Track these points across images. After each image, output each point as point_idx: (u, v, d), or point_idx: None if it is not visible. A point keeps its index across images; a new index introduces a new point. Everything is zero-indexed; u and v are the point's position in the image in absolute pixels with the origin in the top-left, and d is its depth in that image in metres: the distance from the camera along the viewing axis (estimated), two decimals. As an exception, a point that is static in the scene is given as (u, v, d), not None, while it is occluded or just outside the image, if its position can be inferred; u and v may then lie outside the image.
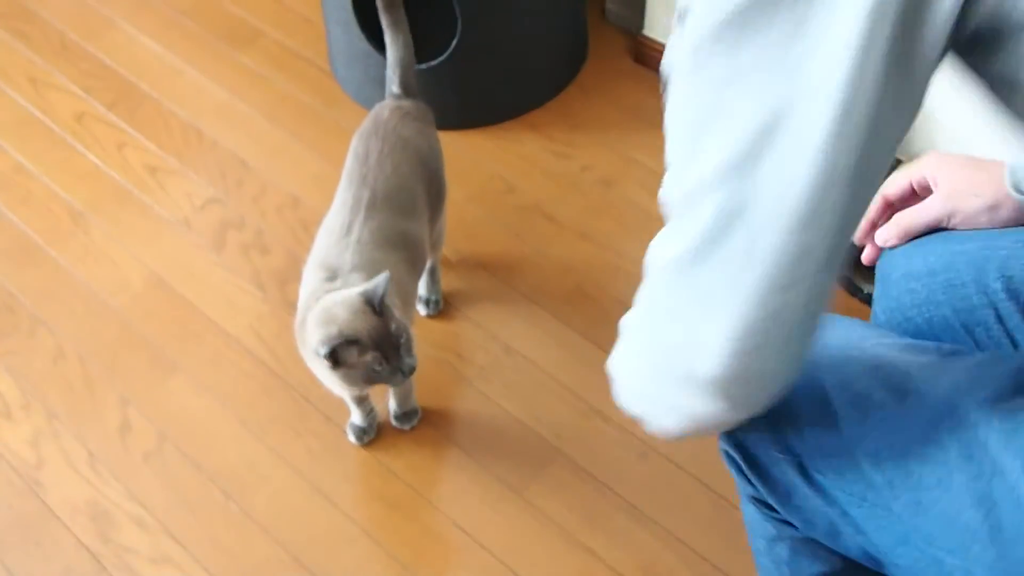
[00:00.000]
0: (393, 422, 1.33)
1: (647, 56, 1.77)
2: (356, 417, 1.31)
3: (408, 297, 1.24)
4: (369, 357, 1.09)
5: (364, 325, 1.08)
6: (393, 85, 1.34)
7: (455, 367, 1.40)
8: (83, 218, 1.61)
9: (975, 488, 0.63)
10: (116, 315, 1.48)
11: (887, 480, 0.67)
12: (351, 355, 1.08)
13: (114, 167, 1.68)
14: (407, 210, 1.25)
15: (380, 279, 1.08)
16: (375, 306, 1.08)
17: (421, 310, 1.44)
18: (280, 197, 1.62)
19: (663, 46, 1.74)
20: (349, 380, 1.14)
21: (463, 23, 1.56)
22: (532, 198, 1.61)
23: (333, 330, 1.07)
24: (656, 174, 1.62)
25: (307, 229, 1.56)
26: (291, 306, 1.16)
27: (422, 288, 1.41)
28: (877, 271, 0.91)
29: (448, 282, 1.48)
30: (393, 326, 1.09)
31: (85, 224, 1.60)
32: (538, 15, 1.65)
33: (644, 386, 0.65)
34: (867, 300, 1.43)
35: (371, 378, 1.12)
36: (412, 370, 1.12)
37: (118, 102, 1.79)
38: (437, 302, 1.45)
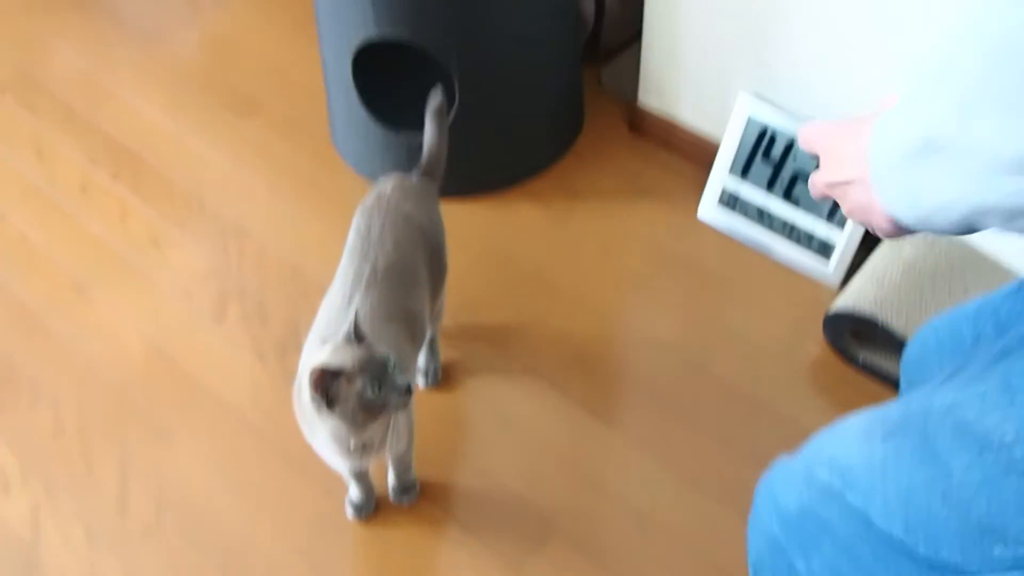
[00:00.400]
0: (392, 497, 1.33)
1: (642, 125, 1.80)
2: (354, 493, 1.31)
3: (408, 368, 1.24)
4: (359, 384, 1.05)
5: (346, 355, 1.07)
6: (420, 165, 1.37)
7: (453, 439, 1.41)
8: (85, 288, 1.62)
9: None
10: (116, 386, 1.49)
11: None
12: (340, 388, 1.06)
13: (117, 237, 1.70)
14: (408, 284, 1.26)
15: (352, 313, 1.09)
16: (354, 336, 1.08)
17: (420, 381, 1.45)
18: (281, 267, 1.64)
19: (657, 115, 1.77)
20: (347, 419, 1.08)
21: (462, 94, 1.58)
22: (531, 266, 1.62)
23: (316, 365, 1.06)
24: (652, 242, 1.64)
25: (307, 298, 1.57)
26: (291, 376, 1.17)
27: (421, 359, 1.42)
28: None
29: (447, 352, 1.49)
30: (378, 353, 1.08)
31: (87, 294, 1.61)
32: (536, 86, 1.68)
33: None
34: (863, 368, 1.44)
35: (369, 409, 1.07)
36: (409, 389, 1.08)
37: (123, 172, 1.81)
38: (436, 372, 1.46)
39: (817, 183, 0.79)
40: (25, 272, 1.66)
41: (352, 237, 1.28)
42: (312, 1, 1.77)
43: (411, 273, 1.27)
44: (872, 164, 0.67)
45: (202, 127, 1.89)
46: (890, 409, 0.75)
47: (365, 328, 1.11)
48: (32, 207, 1.76)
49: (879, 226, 0.69)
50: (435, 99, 1.37)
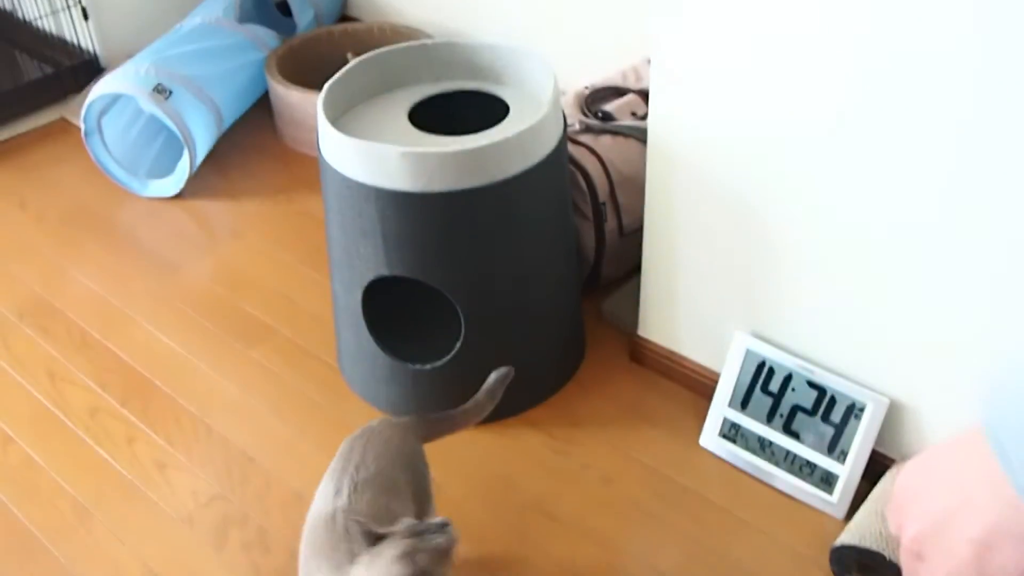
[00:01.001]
0: None
1: (643, 355, 1.85)
2: None
3: None
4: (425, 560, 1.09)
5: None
6: (427, 419, 1.44)
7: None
8: (87, 514, 1.62)
9: None
10: (112, 616, 1.46)
11: None
12: None
13: (123, 462, 1.71)
14: (389, 490, 1.28)
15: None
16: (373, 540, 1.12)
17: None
18: (285, 494, 1.64)
19: (658, 346, 1.82)
20: None
21: (467, 325, 1.64)
22: (533, 495, 1.63)
23: None
24: (654, 471, 1.65)
25: (309, 527, 1.57)
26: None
27: None
28: None
29: (448, 583, 1.47)
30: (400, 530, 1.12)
31: (89, 520, 1.61)
32: (539, 319, 1.74)
33: None
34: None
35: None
36: (444, 525, 1.12)
37: (132, 397, 1.85)
38: None
39: (905, 551, 0.59)
40: (28, 494, 1.66)
41: (333, 462, 1.32)
42: (324, 236, 1.86)
43: (391, 481, 1.29)
44: (995, 433, 0.50)
45: (212, 353, 1.94)
46: None
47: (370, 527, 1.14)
48: (40, 429, 1.78)
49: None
50: (499, 374, 1.47)
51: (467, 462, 1.68)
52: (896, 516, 0.60)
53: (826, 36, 1.31)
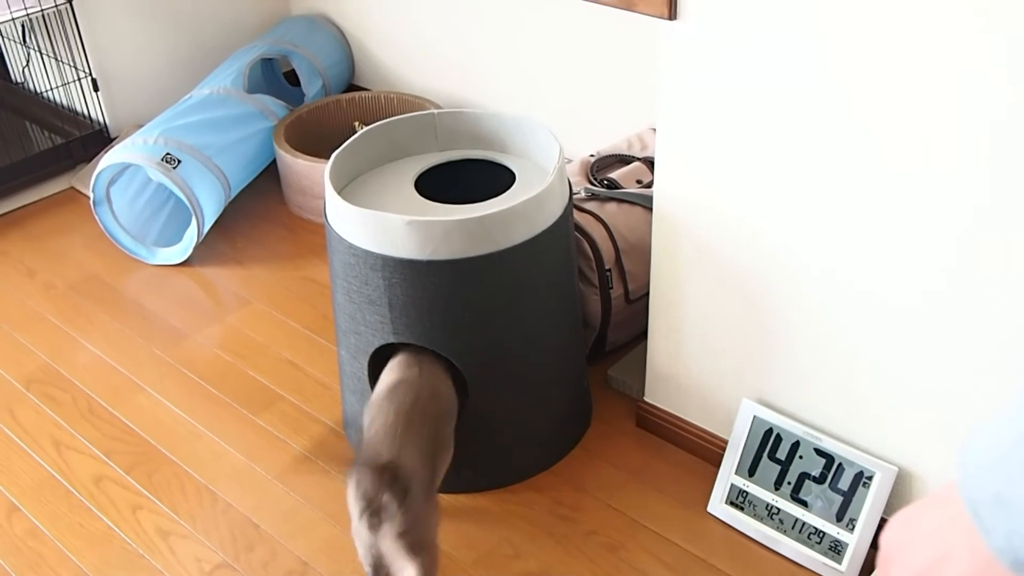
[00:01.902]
0: None
1: (649, 421, 1.85)
2: None
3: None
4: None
5: None
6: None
7: None
8: (91, 584, 1.61)
9: None
10: None
11: None
12: None
13: (127, 531, 1.70)
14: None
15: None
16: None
17: None
18: (290, 562, 1.63)
19: (664, 412, 1.82)
20: None
21: (473, 393, 1.64)
22: (538, 564, 1.61)
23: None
24: (661, 539, 1.64)
25: (314, 597, 1.56)
26: None
27: None
28: None
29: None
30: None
31: (92, 591, 1.60)
32: (545, 384, 1.74)
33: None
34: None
35: None
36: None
37: (137, 465, 1.84)
38: None
39: None
40: (33, 564, 1.65)
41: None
42: (330, 303, 1.88)
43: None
44: (970, 493, 0.53)
45: (218, 420, 1.94)
46: None
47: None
48: (45, 499, 1.78)
49: None
50: None
51: (473, 529, 1.67)
52: (882, 569, 0.64)
53: (831, 113, 1.33)
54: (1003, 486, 0.51)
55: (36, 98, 2.91)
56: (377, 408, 1.47)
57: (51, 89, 2.85)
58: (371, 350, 1.65)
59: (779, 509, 1.61)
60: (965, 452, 0.55)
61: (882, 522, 1.53)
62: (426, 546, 1.32)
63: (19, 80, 2.95)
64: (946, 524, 0.57)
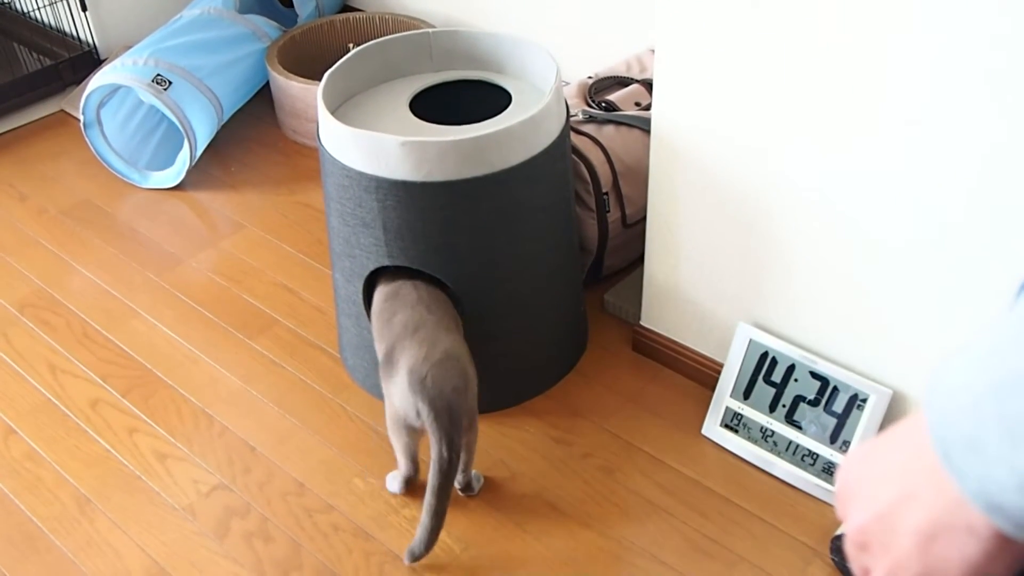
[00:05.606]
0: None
1: (645, 345, 1.84)
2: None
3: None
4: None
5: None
6: None
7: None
8: (89, 505, 1.62)
9: None
10: (114, 607, 1.46)
11: None
12: None
13: (124, 453, 1.71)
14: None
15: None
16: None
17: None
18: (286, 484, 1.64)
19: (660, 336, 1.82)
20: None
21: (467, 317, 1.63)
22: (534, 486, 1.62)
23: None
24: (656, 461, 1.65)
25: (311, 516, 1.57)
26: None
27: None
28: None
29: None
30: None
31: (91, 512, 1.61)
32: (540, 310, 1.73)
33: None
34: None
35: None
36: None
37: (133, 388, 1.84)
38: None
39: (849, 540, 0.60)
40: (30, 486, 1.66)
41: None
42: (325, 227, 1.86)
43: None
44: (940, 434, 0.49)
45: (214, 344, 1.93)
46: None
47: None
48: (41, 422, 1.78)
49: (967, 558, 0.50)
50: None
51: (469, 453, 1.67)
52: (841, 505, 0.60)
53: (835, 29, 1.30)
54: (976, 430, 0.48)
55: (23, 18, 2.85)
56: (402, 309, 1.54)
57: (38, 8, 2.80)
58: (366, 273, 1.64)
59: (773, 432, 1.62)
60: (934, 391, 0.52)
61: (876, 445, 1.53)
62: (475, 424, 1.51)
63: (5, 0, 2.89)
64: (909, 461, 0.54)
